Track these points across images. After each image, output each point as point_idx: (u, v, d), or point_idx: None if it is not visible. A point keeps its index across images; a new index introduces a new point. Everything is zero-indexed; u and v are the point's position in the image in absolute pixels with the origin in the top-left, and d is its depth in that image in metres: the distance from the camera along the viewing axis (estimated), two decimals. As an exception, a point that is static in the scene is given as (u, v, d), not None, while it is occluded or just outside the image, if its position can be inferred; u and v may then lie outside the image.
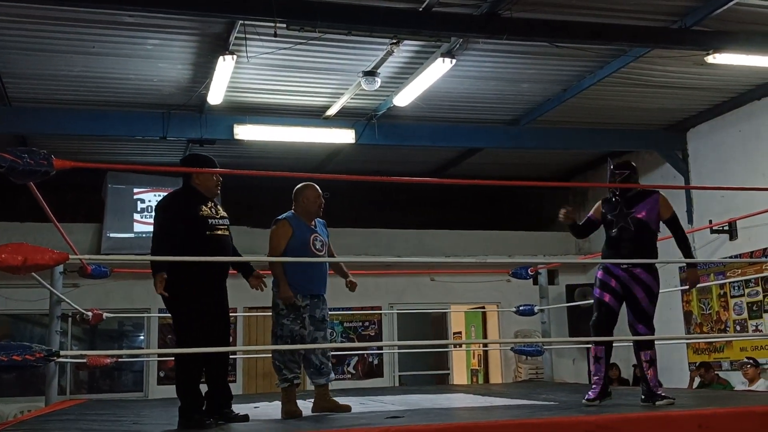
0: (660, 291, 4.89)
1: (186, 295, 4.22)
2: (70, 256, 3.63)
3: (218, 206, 4.55)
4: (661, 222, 4.96)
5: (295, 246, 4.93)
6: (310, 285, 4.92)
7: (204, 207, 4.38)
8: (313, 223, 5.11)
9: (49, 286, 6.19)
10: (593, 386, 4.82)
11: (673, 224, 4.96)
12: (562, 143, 10.99)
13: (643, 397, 4.75)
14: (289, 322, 4.87)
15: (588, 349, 11.81)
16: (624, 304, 4.88)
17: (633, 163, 5.17)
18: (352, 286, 5.24)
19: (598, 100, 9.68)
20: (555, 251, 12.65)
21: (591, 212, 5.18)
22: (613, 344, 5.12)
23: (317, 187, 5.16)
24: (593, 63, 8.57)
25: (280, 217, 5.06)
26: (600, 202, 5.15)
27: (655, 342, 4.90)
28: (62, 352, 4.05)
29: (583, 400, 4.78)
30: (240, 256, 4.85)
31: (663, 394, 4.66)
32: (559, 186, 13.79)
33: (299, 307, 4.88)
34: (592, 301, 9.24)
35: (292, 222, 5.01)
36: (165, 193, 11.98)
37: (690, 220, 10.74)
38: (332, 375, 5.05)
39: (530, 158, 12.27)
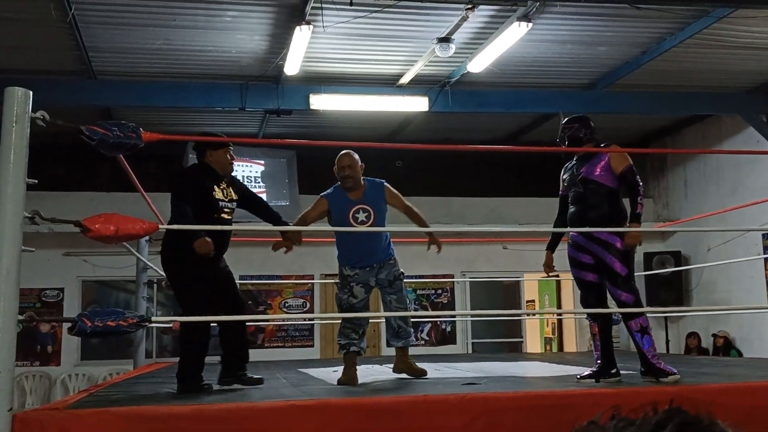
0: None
1: (185, 270, 4.35)
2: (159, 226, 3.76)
3: (230, 186, 4.56)
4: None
5: (335, 221, 4.97)
6: (354, 258, 4.93)
7: (216, 188, 4.41)
8: (357, 194, 4.93)
9: (137, 254, 6.43)
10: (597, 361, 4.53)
11: (625, 179, 4.44)
12: (640, 107, 10.72)
13: (642, 370, 4.38)
14: (339, 290, 4.99)
15: (665, 318, 11.63)
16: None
17: (586, 117, 4.73)
18: (434, 243, 5.06)
19: (679, 62, 9.38)
20: (632, 218, 12.41)
21: (560, 187, 4.80)
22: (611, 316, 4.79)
23: (345, 155, 4.95)
24: (674, 24, 8.31)
25: (322, 194, 5.06)
26: (563, 170, 4.77)
27: (734, 311, 4.76)
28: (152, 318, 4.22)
29: (577, 377, 4.53)
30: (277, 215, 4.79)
31: (667, 369, 4.24)
32: (636, 152, 13.45)
33: (346, 276, 4.93)
34: (671, 269, 9.08)
35: (330, 197, 4.97)
36: (243, 163, 12.21)
37: (774, 187, 10.40)
38: (411, 339, 5.06)
39: (606, 123, 11.95)
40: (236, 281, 4.77)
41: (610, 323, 4.63)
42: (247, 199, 4.76)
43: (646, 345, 4.34)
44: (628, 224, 4.43)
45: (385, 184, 5.07)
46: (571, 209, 4.62)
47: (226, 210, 4.46)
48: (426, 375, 4.93)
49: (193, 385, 4.29)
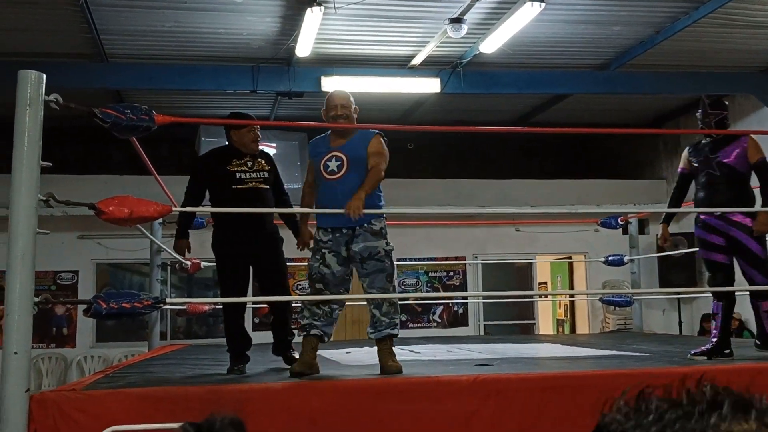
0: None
1: (216, 247, 4.56)
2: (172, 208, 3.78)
3: (258, 161, 4.61)
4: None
5: (314, 172, 4.26)
6: (325, 216, 4.11)
7: (236, 161, 4.52)
8: (340, 141, 4.19)
9: (151, 236, 6.45)
10: (711, 338, 4.68)
11: (761, 169, 4.66)
12: (654, 87, 10.65)
13: (758, 342, 4.73)
14: (311, 257, 4.18)
15: (678, 300, 11.59)
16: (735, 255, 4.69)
17: (726, 102, 4.91)
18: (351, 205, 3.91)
19: (693, 42, 9.29)
20: (645, 200, 12.38)
21: (680, 165, 4.96)
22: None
23: (338, 93, 4.37)
24: (688, 3, 8.22)
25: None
26: (686, 150, 4.93)
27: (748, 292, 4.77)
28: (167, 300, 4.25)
29: (689, 353, 4.64)
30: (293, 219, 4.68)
31: None
32: (649, 133, 13.40)
33: (318, 241, 4.15)
34: (683, 250, 9.08)
35: (312, 143, 4.33)
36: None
37: (790, 167, 10.31)
38: (389, 331, 4.09)
39: (620, 104, 11.95)
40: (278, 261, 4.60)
41: (734, 305, 4.76)
42: (275, 185, 4.77)
43: None
44: (759, 216, 4.57)
45: (378, 133, 4.24)
46: (702, 191, 4.75)
47: (249, 180, 4.50)
48: (401, 373, 3.92)
49: (231, 364, 4.40)
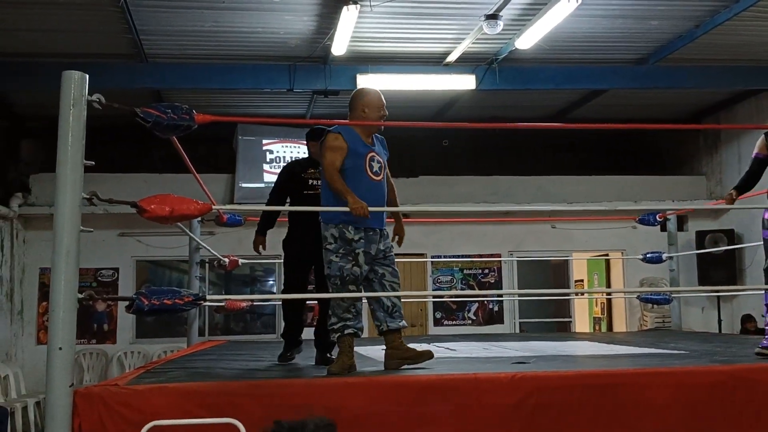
0: None
1: (285, 245, 4.94)
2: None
3: None
4: None
5: (348, 167, 4.04)
6: (361, 217, 3.93)
7: (311, 170, 4.85)
8: (370, 139, 4.17)
9: (190, 234, 6.53)
10: (766, 335, 4.53)
11: None
12: (694, 82, 10.50)
13: None
14: (338, 258, 4.04)
15: (718, 297, 11.40)
16: None
17: None
18: (399, 241, 4.35)
19: (733, 35, 9.14)
20: (684, 196, 12.22)
21: (756, 150, 4.85)
22: None
23: (379, 93, 4.26)
24: (729, -4, 8.11)
25: (330, 129, 4.17)
26: (763, 136, 4.83)
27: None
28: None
29: (756, 348, 4.51)
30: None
31: None
32: (688, 128, 13.22)
33: (350, 240, 4.03)
34: (724, 248, 8.94)
35: (346, 135, 4.07)
36: (291, 144, 12.48)
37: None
38: (404, 321, 4.19)
39: (658, 99, 11.79)
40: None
41: None
42: None
43: None
44: None
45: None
46: None
47: (318, 186, 4.65)
48: (433, 357, 4.12)
49: (284, 350, 4.84)
